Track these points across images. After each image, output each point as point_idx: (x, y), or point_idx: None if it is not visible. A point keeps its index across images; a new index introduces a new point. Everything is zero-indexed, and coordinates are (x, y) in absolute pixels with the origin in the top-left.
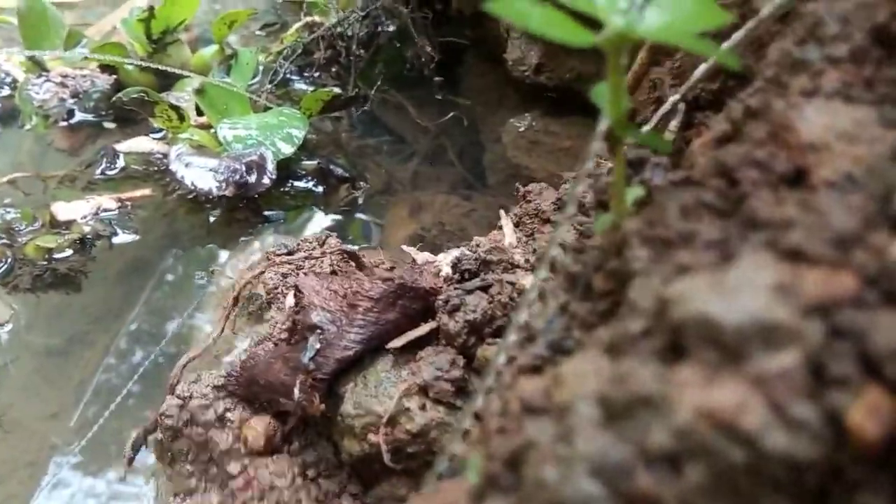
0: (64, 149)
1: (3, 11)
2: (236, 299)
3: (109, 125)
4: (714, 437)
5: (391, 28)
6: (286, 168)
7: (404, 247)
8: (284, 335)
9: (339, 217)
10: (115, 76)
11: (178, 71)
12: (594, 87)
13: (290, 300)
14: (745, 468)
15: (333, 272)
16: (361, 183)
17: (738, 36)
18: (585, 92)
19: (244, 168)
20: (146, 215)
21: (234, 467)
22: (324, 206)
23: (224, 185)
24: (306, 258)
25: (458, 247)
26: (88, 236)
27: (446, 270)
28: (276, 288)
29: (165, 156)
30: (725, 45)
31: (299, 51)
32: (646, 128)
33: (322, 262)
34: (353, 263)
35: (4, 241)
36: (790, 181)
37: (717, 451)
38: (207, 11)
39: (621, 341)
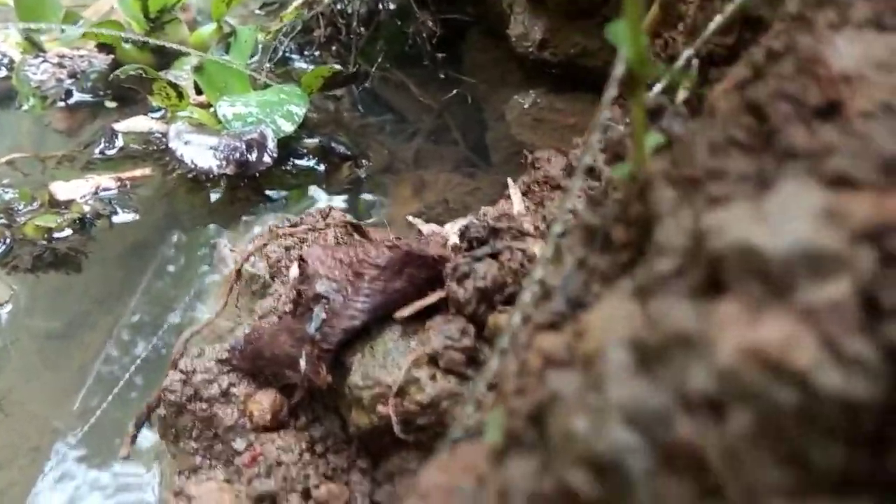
0: (62, 129)
1: None
2: (239, 272)
3: (108, 105)
4: (760, 378)
5: (392, 5)
6: (287, 146)
7: (410, 217)
8: (289, 307)
9: (341, 196)
10: (112, 56)
11: (176, 47)
12: (610, 26)
13: (294, 271)
14: (796, 411)
15: (338, 244)
16: (364, 161)
17: None
18: (590, 67)
19: (244, 146)
20: (146, 195)
21: (239, 443)
22: (326, 184)
23: (224, 163)
24: (310, 230)
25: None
26: (88, 216)
27: (453, 240)
28: (279, 261)
29: (164, 135)
30: None
31: (299, 28)
32: (658, 86)
33: (325, 234)
34: (356, 235)
35: (3, 221)
36: (823, 114)
37: (763, 393)
38: None
39: (651, 283)
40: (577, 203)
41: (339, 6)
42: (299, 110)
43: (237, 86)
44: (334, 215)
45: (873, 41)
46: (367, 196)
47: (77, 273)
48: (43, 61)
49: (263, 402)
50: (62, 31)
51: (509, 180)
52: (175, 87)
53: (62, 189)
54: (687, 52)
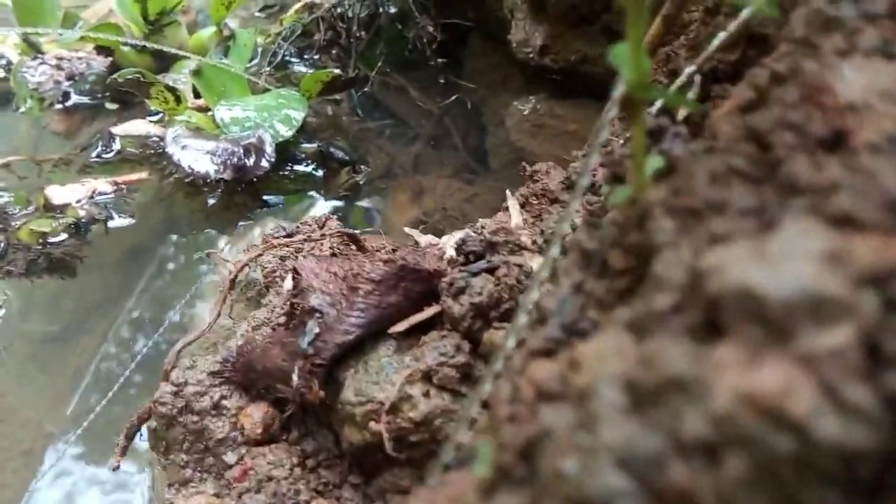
0: (59, 132)
1: None
2: (233, 282)
3: (108, 106)
4: (757, 425)
5: (392, 9)
6: (285, 151)
7: (407, 229)
8: (282, 319)
9: (339, 202)
10: (111, 58)
11: (174, 51)
12: (612, 48)
13: (288, 283)
14: (792, 459)
15: (333, 255)
16: (362, 167)
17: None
18: (591, 74)
19: (242, 151)
20: (143, 199)
21: (230, 457)
22: (324, 190)
23: (222, 168)
24: (305, 241)
25: (462, 229)
26: (84, 220)
27: (450, 253)
28: (274, 271)
29: (162, 139)
30: (746, 11)
31: (298, 32)
32: (658, 103)
33: (321, 244)
34: (353, 246)
35: None
36: (828, 144)
37: (760, 439)
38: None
39: (647, 319)
40: (576, 219)
41: (339, 10)
42: (298, 115)
43: (236, 90)
44: (331, 225)
45: (881, 70)
46: (364, 202)
47: (72, 278)
48: (41, 63)
49: (255, 415)
50: (60, 34)
51: (508, 192)
52: (173, 90)
53: (58, 193)
54: (689, 68)
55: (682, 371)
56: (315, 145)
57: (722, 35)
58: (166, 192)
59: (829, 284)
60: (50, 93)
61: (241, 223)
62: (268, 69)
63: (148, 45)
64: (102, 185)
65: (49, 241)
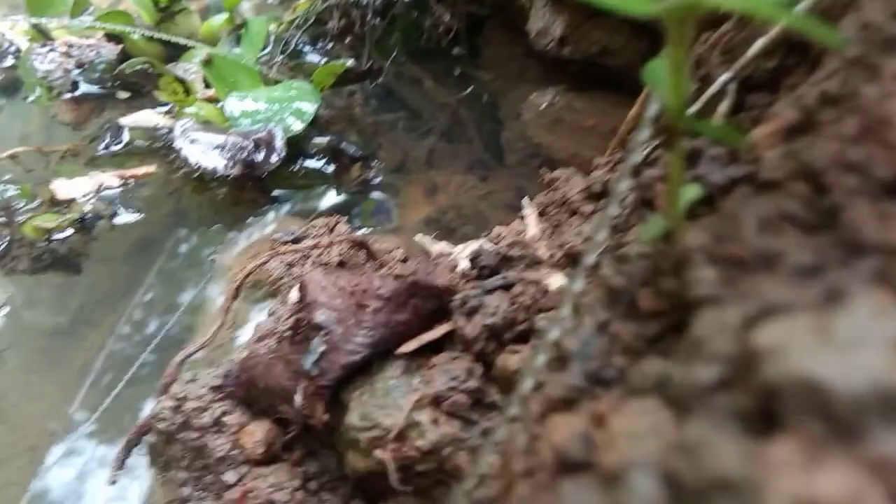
0: (68, 122)
1: None
2: (237, 290)
3: (120, 95)
4: None
5: None
6: (296, 145)
7: (419, 237)
8: (287, 333)
9: (351, 198)
10: (121, 46)
11: (183, 41)
12: (647, 65)
13: (293, 295)
14: None
15: (342, 262)
16: (375, 162)
17: (802, 6)
18: (611, 66)
19: (252, 145)
20: (150, 194)
21: (230, 476)
22: (335, 185)
23: (231, 163)
24: (313, 247)
25: (477, 238)
26: (89, 215)
27: (463, 265)
28: (280, 278)
29: (171, 130)
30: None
31: (312, 20)
32: (693, 108)
33: (330, 250)
34: (362, 253)
35: (3, 219)
36: (894, 190)
37: None
38: None
39: (688, 394)
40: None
41: None
42: (310, 108)
43: (247, 81)
44: (340, 229)
45: None
46: (377, 198)
47: (77, 274)
48: (50, 50)
49: (257, 433)
50: (71, 21)
51: (525, 200)
52: (182, 82)
53: (64, 187)
54: (724, 76)
55: (732, 470)
56: (327, 139)
57: (760, 41)
58: (174, 186)
59: None
60: (59, 81)
61: (249, 219)
62: (280, 58)
63: (156, 34)
64: (109, 179)
65: (54, 236)
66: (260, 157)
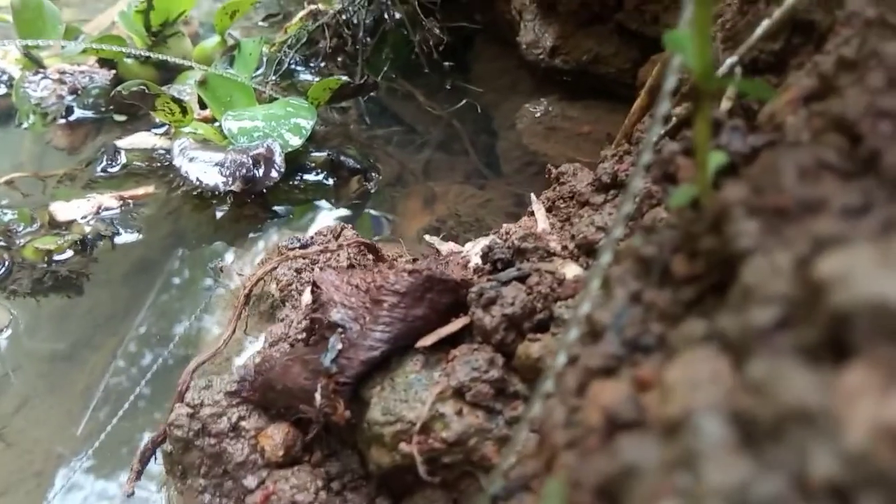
0: (63, 147)
1: (0, 10)
2: (247, 297)
3: (110, 121)
4: None
5: (397, 14)
6: (295, 161)
7: (427, 237)
8: (302, 335)
9: (350, 210)
10: (114, 71)
11: (179, 61)
12: (668, 34)
13: (306, 297)
14: None
15: (351, 266)
16: (373, 174)
17: None
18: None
19: (251, 161)
20: (150, 213)
21: (251, 481)
22: (335, 199)
23: (230, 179)
24: (321, 252)
25: (486, 235)
26: (89, 237)
27: (475, 261)
28: (289, 284)
29: (168, 151)
30: None
31: (304, 40)
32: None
33: (338, 255)
34: (371, 256)
35: (2, 243)
36: None
37: None
38: (209, 12)
39: (745, 338)
40: (608, 220)
41: (344, 16)
42: (307, 123)
43: (242, 99)
44: (346, 234)
45: None
46: (376, 210)
47: (78, 296)
48: (43, 77)
49: (275, 436)
50: (62, 46)
51: (532, 196)
52: (178, 102)
53: (62, 210)
54: (729, 60)
55: (806, 401)
56: (325, 154)
57: (765, 23)
58: (173, 205)
59: None
60: (53, 107)
61: (251, 234)
62: (274, 78)
63: (152, 55)
64: (108, 200)
65: (54, 258)
66: (259, 172)
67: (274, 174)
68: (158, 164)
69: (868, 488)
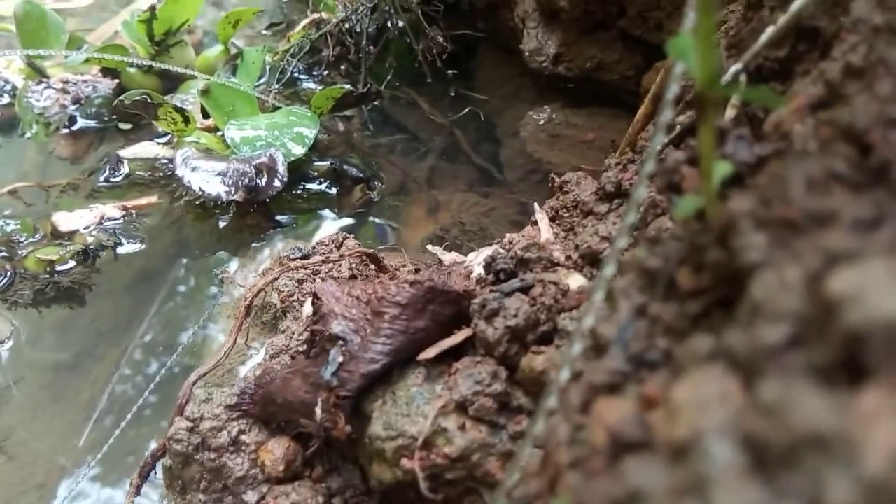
0: (66, 157)
1: (3, 20)
2: (248, 308)
3: (113, 131)
4: None
5: (400, 23)
6: (298, 170)
7: (430, 247)
8: (302, 347)
9: (354, 219)
10: (117, 80)
11: (181, 70)
12: (671, 41)
13: (307, 308)
14: None
15: (353, 276)
16: (376, 183)
17: None
18: (607, 81)
19: (254, 171)
20: (152, 223)
21: (251, 496)
22: (338, 208)
23: (233, 189)
24: (323, 262)
25: (489, 245)
26: (91, 247)
27: (478, 271)
28: (291, 295)
29: (171, 161)
30: (798, 2)
31: (307, 49)
32: None
33: (340, 265)
34: (373, 266)
35: (4, 254)
36: None
37: None
38: (214, 21)
39: (755, 357)
40: (612, 230)
41: (347, 25)
42: (310, 132)
43: (245, 108)
44: (348, 244)
45: None
46: (380, 219)
47: (81, 307)
48: (46, 87)
49: (276, 451)
50: (65, 56)
51: (536, 205)
52: (181, 111)
53: (65, 220)
54: (734, 67)
55: (823, 425)
56: (328, 163)
57: (770, 30)
58: (176, 215)
59: None
60: (56, 117)
61: (253, 244)
62: (277, 87)
63: (154, 64)
64: (111, 210)
65: (57, 269)
66: (262, 182)
67: (276, 183)
68: (161, 174)
69: None
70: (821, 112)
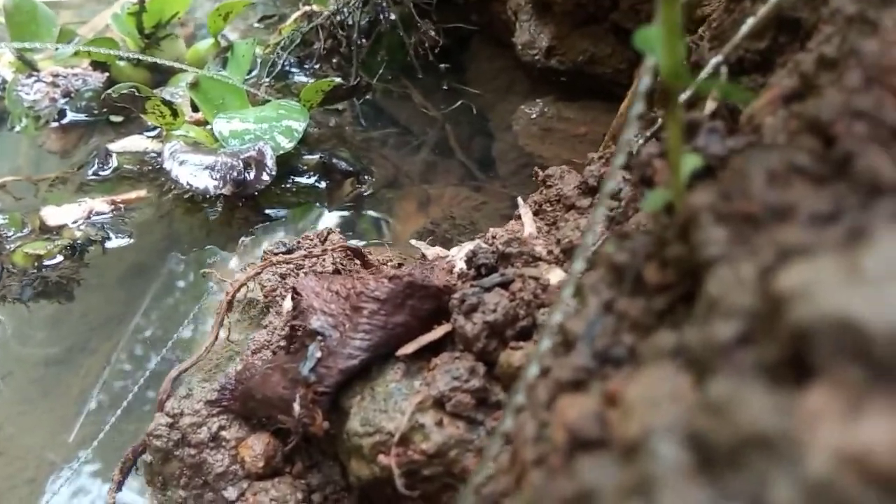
0: (56, 150)
1: None
2: (230, 303)
3: (102, 125)
4: (863, 493)
5: (392, 15)
6: (287, 163)
7: (413, 241)
8: (283, 343)
9: (344, 213)
10: (107, 74)
11: (170, 63)
12: (639, 31)
13: (287, 304)
14: None
15: (336, 271)
16: (367, 177)
17: None
18: (599, 74)
19: (242, 164)
20: (141, 218)
21: (231, 492)
22: (328, 202)
23: (221, 183)
24: (306, 257)
25: (472, 239)
26: (80, 242)
27: (460, 266)
28: (274, 290)
29: (160, 154)
30: None
31: (298, 41)
32: (683, 97)
33: (323, 260)
34: (357, 261)
35: None
36: None
37: None
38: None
39: (707, 353)
40: (598, 228)
41: (339, 18)
42: (299, 126)
43: (234, 102)
44: (332, 239)
45: None
46: (370, 213)
47: (69, 301)
48: (36, 81)
49: (256, 447)
50: (55, 49)
51: (520, 200)
52: (169, 104)
53: (53, 214)
54: (714, 59)
55: (767, 425)
56: (317, 157)
57: (750, 21)
58: (165, 209)
59: None
60: (45, 111)
61: (242, 238)
62: (267, 80)
63: (143, 57)
64: (99, 204)
65: (45, 264)
66: (251, 175)
67: (265, 177)
68: (150, 168)
69: None
70: (794, 104)
